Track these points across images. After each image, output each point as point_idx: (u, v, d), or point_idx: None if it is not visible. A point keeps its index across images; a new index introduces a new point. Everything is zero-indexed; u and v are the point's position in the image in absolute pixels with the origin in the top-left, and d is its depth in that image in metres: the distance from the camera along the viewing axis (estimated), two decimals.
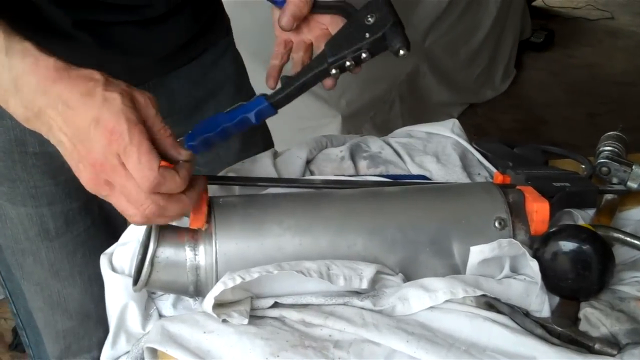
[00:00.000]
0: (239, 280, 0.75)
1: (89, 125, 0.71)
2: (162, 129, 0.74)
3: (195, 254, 0.79)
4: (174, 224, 0.85)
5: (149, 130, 0.73)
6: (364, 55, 0.94)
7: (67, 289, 1.20)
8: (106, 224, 1.20)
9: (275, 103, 0.95)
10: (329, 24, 1.03)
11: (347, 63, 0.94)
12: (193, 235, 0.80)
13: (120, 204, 0.74)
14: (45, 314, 1.24)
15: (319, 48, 1.03)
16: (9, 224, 1.13)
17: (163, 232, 0.80)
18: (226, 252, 0.79)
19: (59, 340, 1.26)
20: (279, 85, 0.97)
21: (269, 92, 0.96)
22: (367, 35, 0.93)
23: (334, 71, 0.95)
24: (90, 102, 0.72)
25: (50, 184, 1.10)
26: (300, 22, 1.03)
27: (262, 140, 1.32)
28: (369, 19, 0.94)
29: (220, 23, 1.27)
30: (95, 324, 1.24)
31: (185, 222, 0.82)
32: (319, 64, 0.96)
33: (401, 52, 0.92)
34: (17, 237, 1.14)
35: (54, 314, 1.23)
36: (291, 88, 0.95)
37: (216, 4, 1.25)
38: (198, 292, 0.80)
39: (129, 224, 0.98)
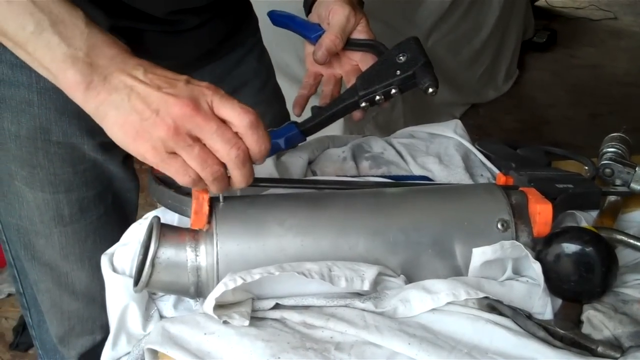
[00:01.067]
0: (240, 282, 0.75)
1: (179, 82, 0.76)
2: None
3: (197, 255, 0.79)
4: (174, 224, 0.85)
5: None
6: (393, 91, 0.99)
7: (75, 272, 1.23)
8: (118, 213, 1.23)
9: (305, 130, 1.01)
10: (360, 60, 1.09)
11: (377, 97, 0.99)
12: (194, 236, 0.80)
13: (200, 155, 0.75)
14: (52, 294, 1.27)
15: (349, 82, 1.09)
16: (25, 206, 1.16)
17: (164, 232, 0.79)
18: (227, 252, 0.79)
19: (63, 322, 1.29)
20: (306, 114, 1.04)
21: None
22: (398, 72, 0.98)
23: (363, 104, 1.00)
24: (175, 74, 0.78)
25: (69, 173, 1.13)
26: (333, 56, 1.09)
27: None
28: (401, 57, 0.99)
29: (248, 23, 1.29)
30: (99, 308, 1.24)
31: (186, 223, 0.82)
32: (350, 96, 1.01)
33: (430, 89, 0.97)
34: (32, 219, 1.17)
35: (61, 295, 1.26)
36: (322, 117, 1.02)
37: (245, 6, 1.28)
38: (199, 293, 0.80)
39: (137, 218, 1.00)
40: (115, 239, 1.16)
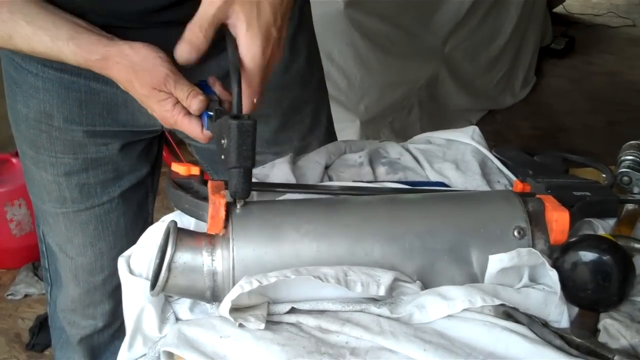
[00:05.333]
0: (256, 284, 0.75)
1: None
2: None
3: (213, 259, 0.79)
4: (191, 228, 0.86)
5: None
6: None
7: (80, 258, 1.30)
8: (125, 206, 1.28)
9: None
10: None
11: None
12: (210, 241, 0.80)
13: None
14: (61, 274, 1.35)
15: None
16: (36, 185, 1.27)
17: (181, 236, 0.80)
18: (243, 257, 0.79)
19: (66, 302, 1.37)
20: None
21: None
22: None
23: None
24: None
25: (70, 157, 1.20)
26: None
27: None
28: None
29: None
30: (100, 296, 1.33)
31: (202, 227, 0.82)
32: None
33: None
34: (42, 198, 1.27)
35: (66, 277, 1.33)
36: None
37: None
38: (215, 297, 0.80)
39: (148, 224, 1.00)
40: (121, 229, 1.26)
